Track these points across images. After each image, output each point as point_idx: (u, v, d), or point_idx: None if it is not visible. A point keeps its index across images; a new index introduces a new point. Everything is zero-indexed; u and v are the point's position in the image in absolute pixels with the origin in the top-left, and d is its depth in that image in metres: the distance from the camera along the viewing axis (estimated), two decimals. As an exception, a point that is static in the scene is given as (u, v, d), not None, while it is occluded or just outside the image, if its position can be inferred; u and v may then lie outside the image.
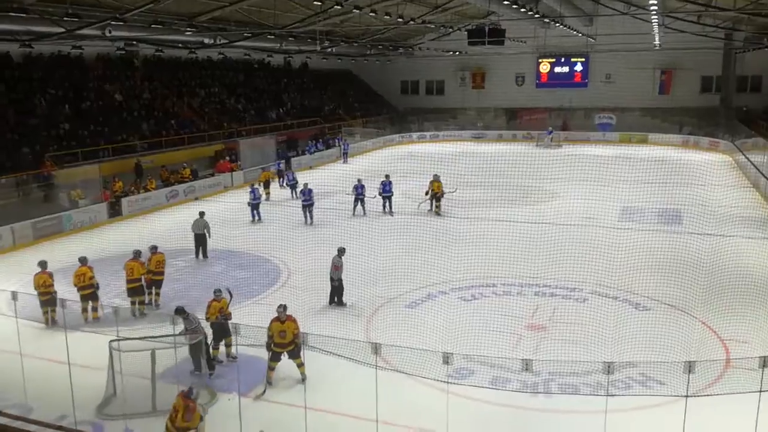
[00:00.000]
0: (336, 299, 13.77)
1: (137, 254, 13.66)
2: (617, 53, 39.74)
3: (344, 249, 13.88)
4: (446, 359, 7.64)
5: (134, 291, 13.50)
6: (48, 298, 12.55)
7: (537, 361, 8.75)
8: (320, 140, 38.38)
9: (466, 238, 18.66)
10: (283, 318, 10.02)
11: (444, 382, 8.09)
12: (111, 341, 9.49)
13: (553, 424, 9.18)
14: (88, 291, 12.95)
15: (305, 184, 21.42)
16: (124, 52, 28.39)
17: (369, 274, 15.01)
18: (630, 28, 32.74)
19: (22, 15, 19.98)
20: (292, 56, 41.63)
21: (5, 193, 20.61)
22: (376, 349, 7.87)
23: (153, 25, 24.20)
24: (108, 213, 22.40)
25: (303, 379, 9.97)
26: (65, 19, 20.79)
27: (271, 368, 10.06)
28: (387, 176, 22.53)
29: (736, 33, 36.46)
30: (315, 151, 36.42)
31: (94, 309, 12.99)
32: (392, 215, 21.74)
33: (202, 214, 18.15)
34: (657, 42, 37.17)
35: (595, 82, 44.93)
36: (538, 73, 47.01)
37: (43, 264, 12.95)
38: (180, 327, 9.96)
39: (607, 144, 40.10)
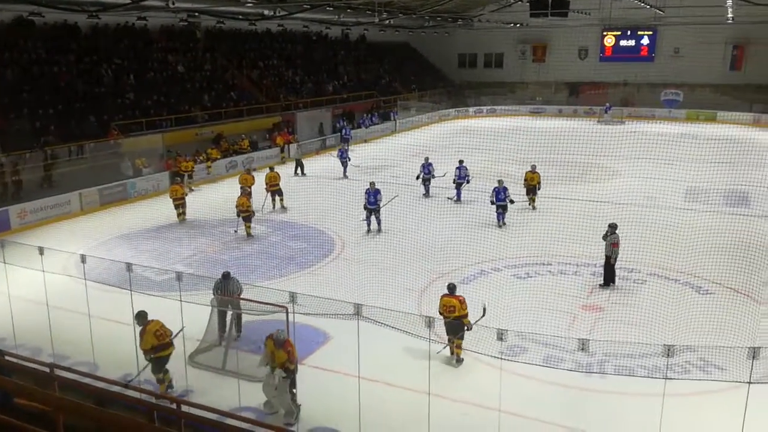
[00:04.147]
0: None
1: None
2: (687, 27, 38.02)
3: (616, 225, 13.05)
4: (500, 336, 7.55)
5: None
6: (247, 215, 17.09)
7: (593, 341, 8.62)
8: (376, 113, 38.35)
9: (521, 215, 18.42)
10: None
11: (497, 358, 8.08)
12: (212, 299, 10.30)
13: (607, 405, 9.04)
14: (275, 188, 19.79)
15: (372, 183, 17.64)
16: (186, 23, 28.86)
17: (422, 249, 15.03)
18: (701, 0, 31.28)
19: (90, -14, 20.59)
20: (350, 28, 41.51)
21: (74, 161, 21.41)
22: (429, 322, 7.89)
23: (215, -3, 24.51)
24: (170, 182, 23.04)
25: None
26: (131, -10, 21.37)
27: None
28: (461, 161, 20.56)
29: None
30: (370, 125, 36.46)
31: (281, 200, 19.89)
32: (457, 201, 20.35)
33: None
34: (730, 15, 35.36)
35: (662, 56, 43.18)
36: (603, 47, 45.53)
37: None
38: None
39: (672, 121, 38.52)
